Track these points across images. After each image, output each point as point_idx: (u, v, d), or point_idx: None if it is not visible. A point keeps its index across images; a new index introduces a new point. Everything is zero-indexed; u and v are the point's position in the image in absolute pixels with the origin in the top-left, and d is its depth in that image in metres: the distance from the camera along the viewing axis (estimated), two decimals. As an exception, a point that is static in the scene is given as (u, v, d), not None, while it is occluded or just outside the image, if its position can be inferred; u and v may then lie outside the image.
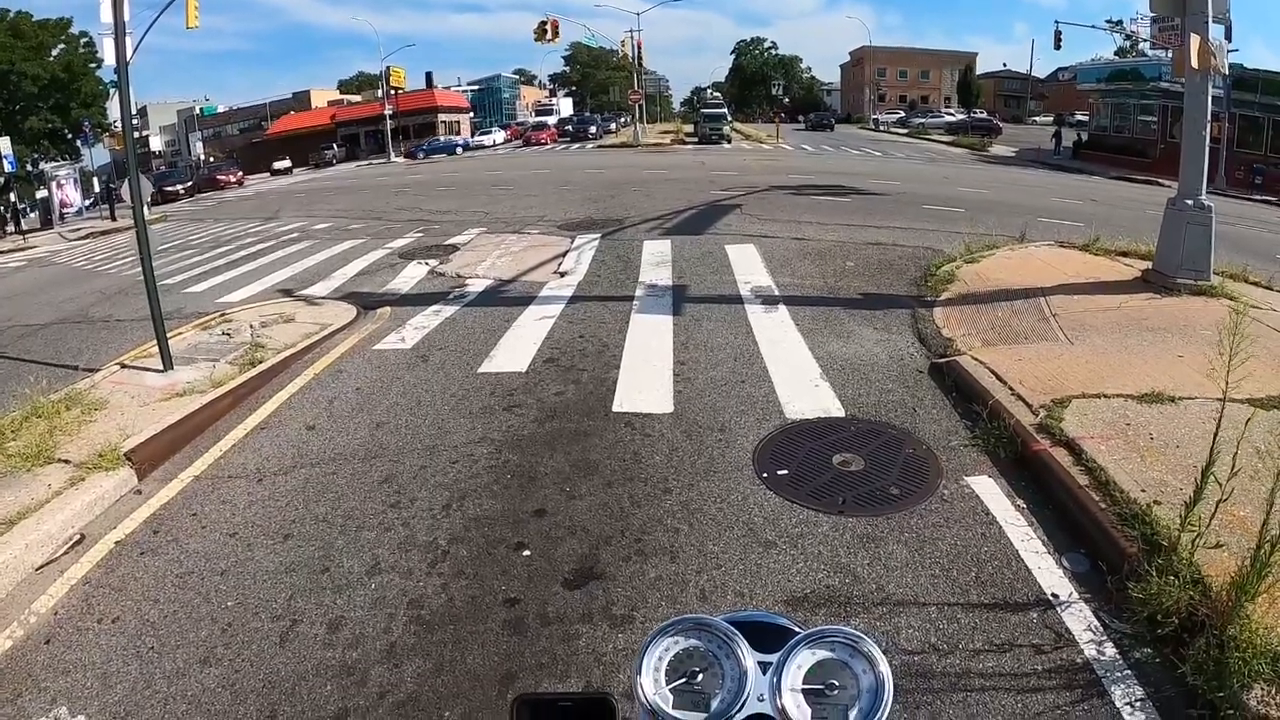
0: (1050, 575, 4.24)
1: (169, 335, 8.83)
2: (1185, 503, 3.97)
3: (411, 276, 12.96)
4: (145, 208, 8.66)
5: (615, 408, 6.75)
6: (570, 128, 70.43)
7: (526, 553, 4.81)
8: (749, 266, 11.45)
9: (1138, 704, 3.34)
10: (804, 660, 1.21)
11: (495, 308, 10.32)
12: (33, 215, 45.76)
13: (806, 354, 7.71)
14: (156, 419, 7.05)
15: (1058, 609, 3.97)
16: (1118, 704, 3.34)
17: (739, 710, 1.18)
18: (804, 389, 6.89)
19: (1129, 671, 3.51)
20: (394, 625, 4.21)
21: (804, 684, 1.20)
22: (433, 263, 13.89)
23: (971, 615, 3.96)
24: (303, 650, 4.08)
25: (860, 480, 5.37)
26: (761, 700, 1.18)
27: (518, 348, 8.48)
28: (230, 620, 4.41)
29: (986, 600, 4.09)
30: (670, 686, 1.22)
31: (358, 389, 7.78)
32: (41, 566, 5.21)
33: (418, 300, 11.18)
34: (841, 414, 6.39)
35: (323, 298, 12.04)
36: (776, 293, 9.88)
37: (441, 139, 67.56)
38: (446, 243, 15.95)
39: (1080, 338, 7.57)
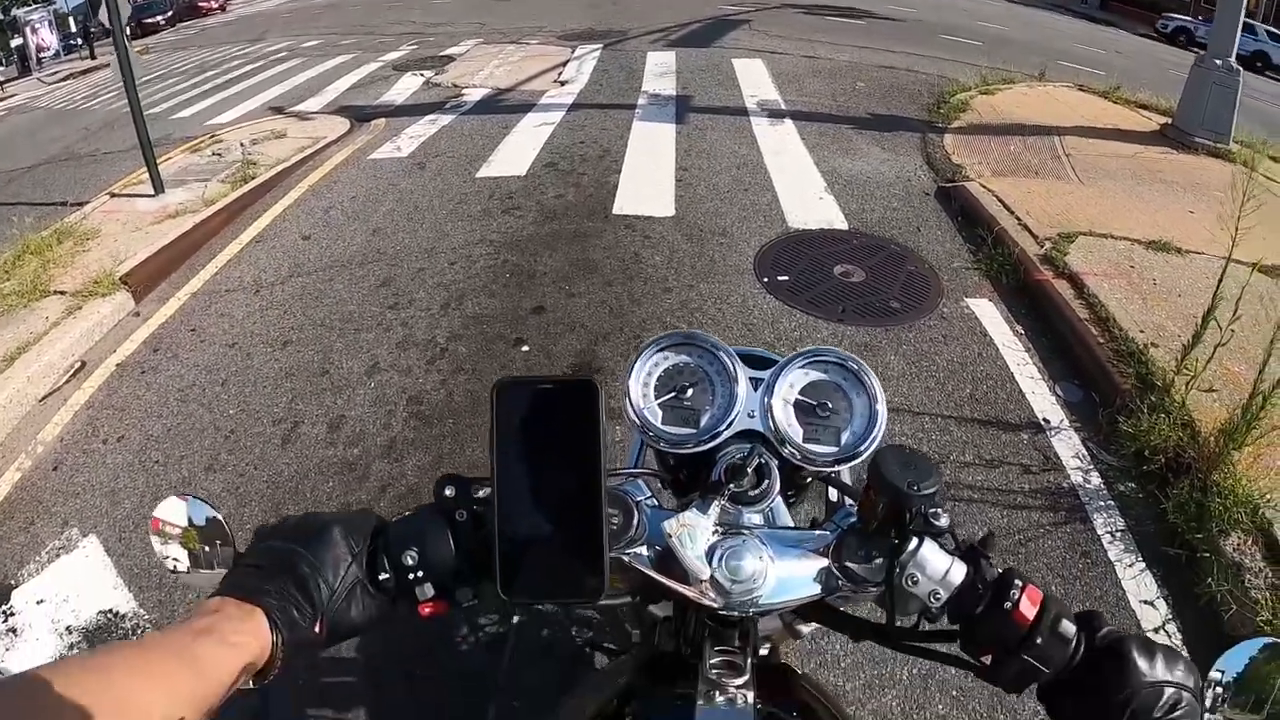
0: (1043, 400, 4.23)
1: (163, 158, 8.60)
2: (1184, 346, 3.93)
3: (406, 88, 12.47)
4: (125, 29, 8.21)
5: (615, 210, 6.55)
6: None
7: (525, 348, 4.77)
8: (756, 81, 10.93)
9: (1118, 535, 3.37)
10: (796, 379, 1.18)
11: (493, 115, 9.93)
12: (6, 66, 44.07)
13: (811, 167, 7.43)
14: (150, 242, 6.90)
15: (1048, 433, 3.98)
16: (1099, 531, 3.38)
17: (728, 426, 1.15)
18: (808, 200, 6.67)
19: (1112, 502, 3.55)
20: (394, 421, 4.21)
21: (796, 401, 1.18)
22: (428, 74, 13.30)
23: (964, 429, 3.98)
24: (305, 450, 4.11)
25: (860, 292, 5.29)
26: (752, 416, 1.16)
27: (517, 153, 8.19)
28: (233, 427, 4.42)
29: (979, 417, 4.09)
30: (659, 401, 1.20)
31: (353, 198, 7.57)
32: (45, 397, 5.18)
33: (413, 110, 10.79)
34: (845, 227, 6.20)
35: (315, 113, 11.62)
36: (783, 107, 9.46)
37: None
38: (442, 54, 15.25)
39: (1092, 180, 7.30)
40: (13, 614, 3.67)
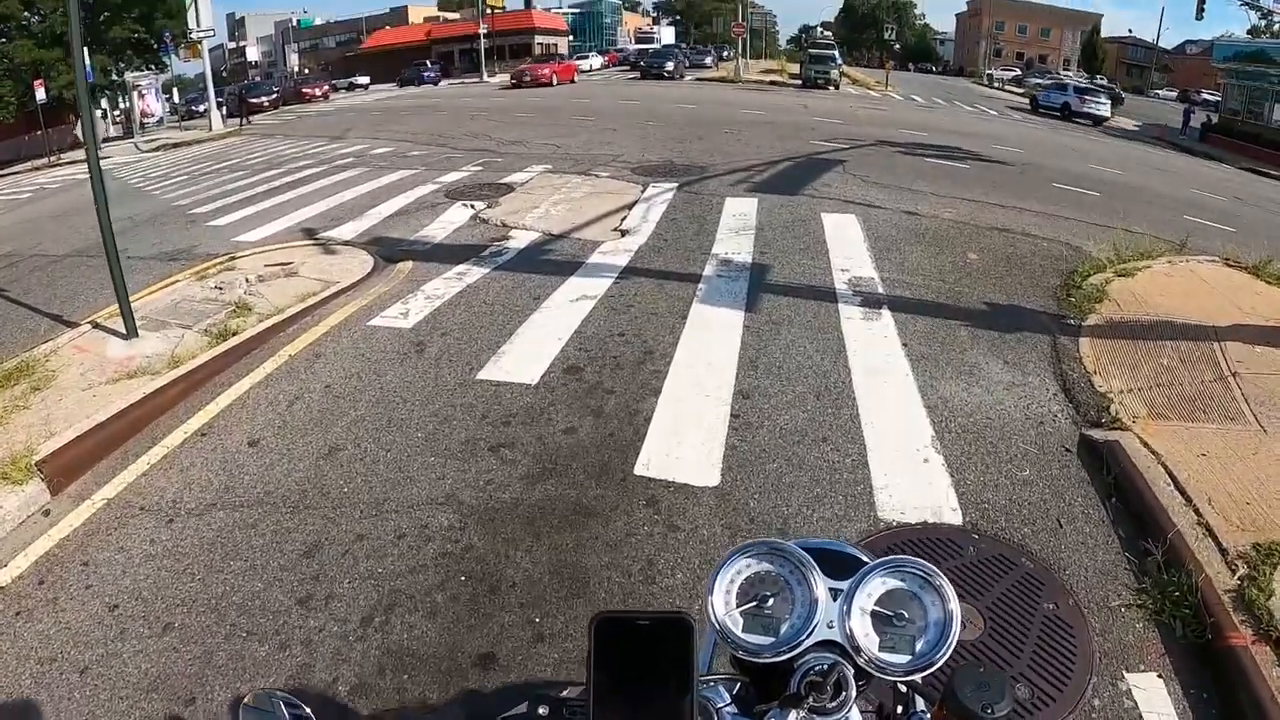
0: None
1: (168, 281, 8.42)
2: None
3: (450, 221, 11.14)
4: (98, 144, 7.03)
5: (638, 468, 4.73)
6: (643, 63, 53.78)
7: (451, 740, 3.07)
8: (848, 245, 9.20)
9: None
10: (874, 589, 1.20)
11: (529, 275, 8.36)
12: (113, 126, 45.61)
13: (915, 398, 5.58)
14: (91, 411, 5.77)
15: None
16: None
17: (808, 636, 1.17)
18: (907, 463, 4.80)
19: None
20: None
21: (873, 611, 1.19)
22: (479, 205, 11.95)
23: None
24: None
25: (975, 662, 3.37)
26: (831, 627, 1.18)
27: (537, 344, 6.54)
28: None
29: None
30: (740, 609, 1.21)
31: (327, 387, 6.06)
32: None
33: (446, 255, 9.39)
34: (958, 519, 4.29)
35: (344, 242, 10.39)
36: (880, 290, 7.67)
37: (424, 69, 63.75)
38: (503, 180, 13.94)
39: (1274, 420, 5.35)
40: None
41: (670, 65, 49.83)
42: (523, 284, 8.06)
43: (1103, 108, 39.03)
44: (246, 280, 8.67)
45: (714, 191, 12.37)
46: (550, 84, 45.02)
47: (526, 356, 6.28)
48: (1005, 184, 14.15)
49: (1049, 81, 49.73)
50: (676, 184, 12.95)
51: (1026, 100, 45.81)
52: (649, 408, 5.41)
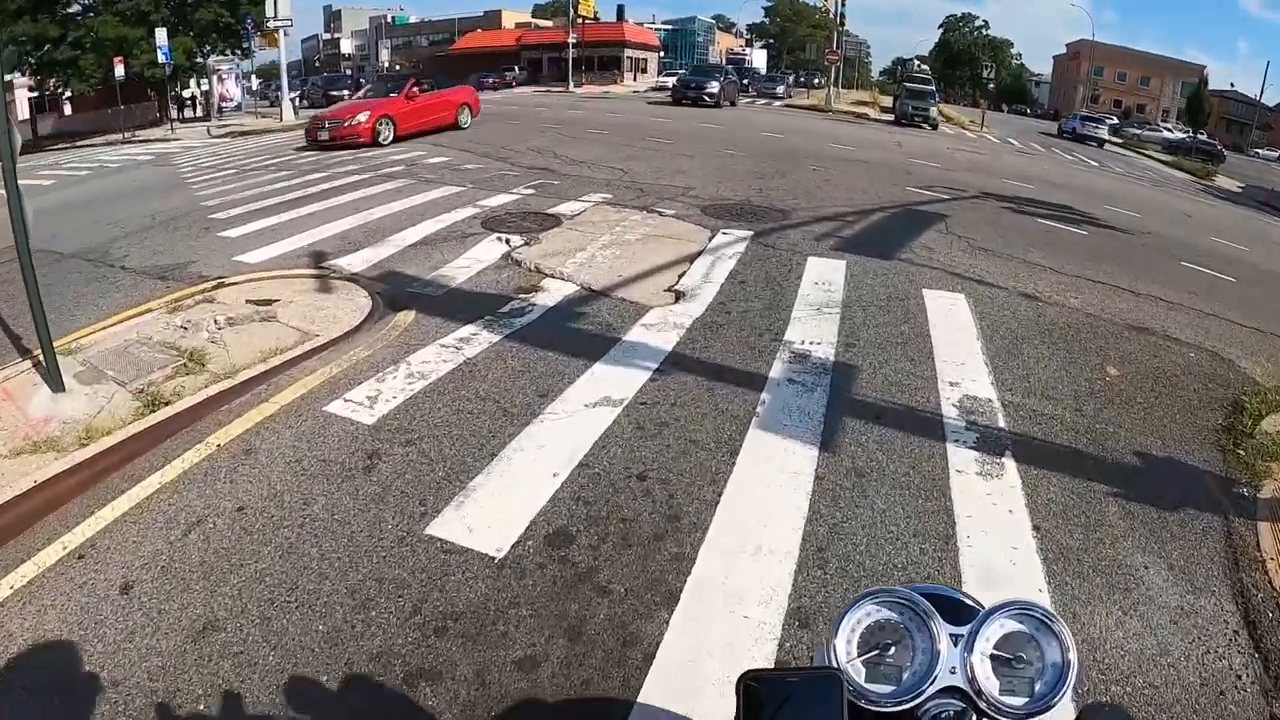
0: None
1: (138, 309, 7.75)
2: None
3: (478, 259, 9.52)
4: (15, 165, 5.56)
5: None
6: (676, 83, 42.62)
7: None
8: (958, 343, 7.25)
9: None
10: (993, 633, 1.20)
11: (544, 354, 6.58)
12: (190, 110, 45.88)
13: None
14: None
15: None
16: None
17: (930, 683, 1.17)
18: None
19: None
20: None
21: (992, 654, 1.19)
22: (516, 241, 10.30)
23: None
24: None
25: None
26: (953, 673, 1.17)
27: (521, 481, 4.68)
28: None
29: None
30: (862, 658, 1.20)
31: (240, 510, 4.44)
32: None
33: (457, 307, 7.78)
34: None
35: (351, 275, 8.93)
36: (1001, 421, 5.70)
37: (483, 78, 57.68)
38: (550, 211, 12.17)
39: None
40: None
41: (714, 87, 38.87)
42: (532, 368, 6.33)
43: (1101, 131, 50.42)
44: (215, 322, 7.23)
45: (794, 245, 10.52)
46: (372, 142, 21.39)
47: (502, 502, 4.47)
48: (1129, 260, 12.07)
49: (1075, 116, 60.65)
50: (751, 231, 11.09)
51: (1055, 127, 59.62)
52: (654, 634, 3.47)
